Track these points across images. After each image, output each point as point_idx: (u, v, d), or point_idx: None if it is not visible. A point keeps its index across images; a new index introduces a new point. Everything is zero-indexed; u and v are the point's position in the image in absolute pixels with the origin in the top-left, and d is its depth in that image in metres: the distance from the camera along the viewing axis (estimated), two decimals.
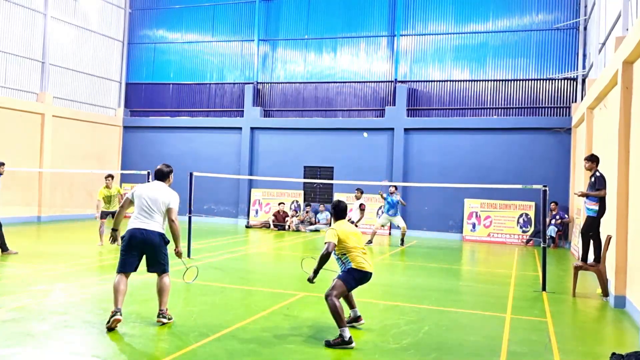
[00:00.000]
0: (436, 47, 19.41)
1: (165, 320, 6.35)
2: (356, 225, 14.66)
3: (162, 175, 6.72)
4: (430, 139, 18.89)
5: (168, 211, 6.47)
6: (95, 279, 9.09)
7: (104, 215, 13.74)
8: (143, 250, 6.36)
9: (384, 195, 15.87)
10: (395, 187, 15.83)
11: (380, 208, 19.07)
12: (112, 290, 6.21)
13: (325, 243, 6.20)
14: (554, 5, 18.03)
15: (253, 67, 21.45)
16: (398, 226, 15.87)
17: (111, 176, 13.83)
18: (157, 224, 6.39)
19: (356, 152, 19.60)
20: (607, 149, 10.28)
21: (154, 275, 6.59)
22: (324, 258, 6.14)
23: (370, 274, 6.42)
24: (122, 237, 6.46)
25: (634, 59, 8.23)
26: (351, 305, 6.64)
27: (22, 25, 19.06)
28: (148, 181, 12.50)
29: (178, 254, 6.61)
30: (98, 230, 13.53)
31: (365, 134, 19.17)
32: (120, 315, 6.06)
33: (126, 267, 6.33)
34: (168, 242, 6.50)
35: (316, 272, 6.23)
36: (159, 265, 6.42)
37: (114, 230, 6.93)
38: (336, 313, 5.85)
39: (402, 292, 8.99)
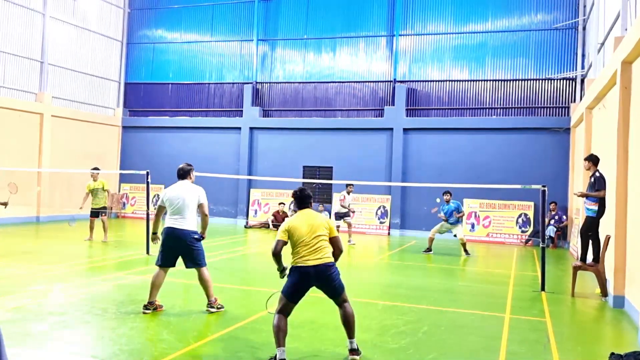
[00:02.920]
0: (435, 47, 19.40)
1: (213, 310, 6.93)
2: (348, 223, 16.07)
3: (184, 174, 7.15)
4: (429, 139, 18.89)
5: (200, 207, 7.03)
6: (94, 279, 9.08)
7: (93, 214, 14.10)
8: (177, 248, 6.90)
9: (440, 212, 14.54)
10: (450, 193, 14.51)
11: (379, 208, 19.08)
12: (150, 283, 6.92)
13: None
14: (553, 5, 18.03)
15: (252, 67, 21.44)
16: (455, 235, 14.41)
17: (96, 169, 14.33)
18: (188, 222, 6.91)
19: (355, 152, 19.59)
20: (606, 149, 10.29)
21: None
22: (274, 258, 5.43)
23: (311, 268, 5.17)
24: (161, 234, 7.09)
25: (633, 59, 8.23)
26: (348, 334, 5.41)
27: (20, 25, 19.03)
28: (147, 181, 12.54)
29: (202, 237, 7.11)
30: (88, 226, 13.96)
31: None
32: (147, 309, 6.81)
33: (164, 262, 6.95)
34: (200, 238, 7.05)
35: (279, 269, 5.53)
36: (193, 261, 6.96)
37: (154, 233, 7.45)
38: (273, 329, 5.17)
39: (401, 292, 8.98)
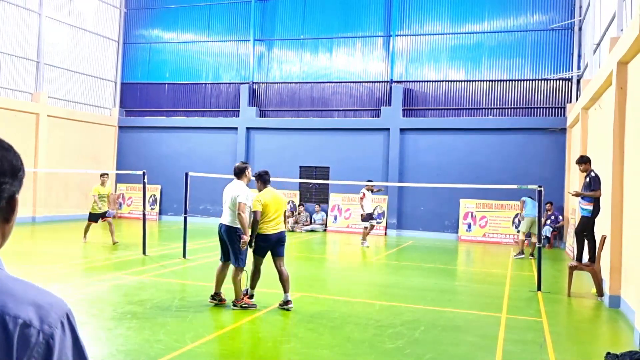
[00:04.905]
0: (432, 48, 19.43)
1: (236, 308, 7.17)
2: (372, 217, 15.57)
3: (237, 173, 7.43)
4: (426, 139, 18.91)
5: (238, 205, 7.12)
6: (90, 279, 9.06)
7: (93, 217, 13.57)
8: (221, 242, 7.36)
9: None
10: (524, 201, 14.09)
11: (375, 208, 19.08)
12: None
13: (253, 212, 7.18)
14: (549, 6, 18.08)
15: (249, 67, 21.43)
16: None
17: (106, 174, 13.91)
18: (228, 218, 7.23)
19: (352, 152, 19.60)
20: (601, 149, 10.32)
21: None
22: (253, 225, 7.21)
23: (275, 235, 7.20)
24: None
25: (629, 60, 8.26)
26: (285, 289, 7.29)
27: (16, 24, 18.97)
28: (144, 181, 12.53)
29: (242, 242, 7.20)
30: (84, 228, 13.63)
31: None
32: (213, 299, 7.34)
33: (220, 256, 7.47)
34: (239, 236, 7.16)
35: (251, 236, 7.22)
36: (230, 256, 7.25)
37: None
38: (252, 276, 7.44)
39: (398, 293, 8.99)
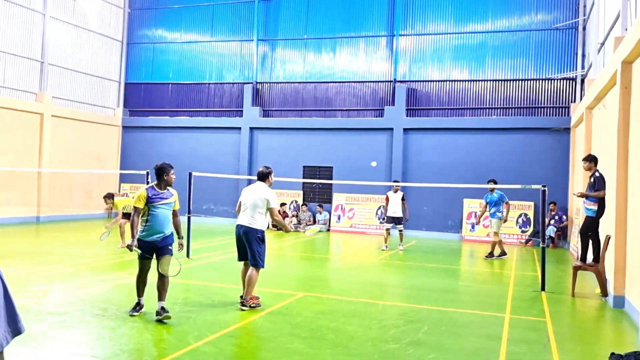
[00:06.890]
0: (435, 47, 19.40)
1: (245, 308, 7.14)
2: (406, 219, 14.78)
3: (261, 176, 7.55)
4: (430, 139, 18.89)
5: (269, 210, 7.32)
6: (93, 279, 9.08)
7: (125, 216, 12.98)
8: (241, 243, 7.32)
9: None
10: (495, 181, 13.61)
11: (379, 208, 19.05)
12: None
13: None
14: (553, 5, 18.03)
15: (252, 67, 21.44)
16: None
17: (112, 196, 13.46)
18: (252, 220, 7.25)
19: (355, 152, 19.59)
20: (606, 149, 10.29)
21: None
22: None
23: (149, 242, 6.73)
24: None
25: (633, 59, 8.23)
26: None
27: (21, 25, 19.03)
28: (147, 181, 12.55)
29: (286, 231, 7.69)
30: (119, 231, 12.99)
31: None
32: (242, 304, 7.22)
33: (239, 256, 7.47)
34: (262, 239, 7.27)
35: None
36: (250, 258, 7.25)
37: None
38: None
39: (401, 292, 8.98)
